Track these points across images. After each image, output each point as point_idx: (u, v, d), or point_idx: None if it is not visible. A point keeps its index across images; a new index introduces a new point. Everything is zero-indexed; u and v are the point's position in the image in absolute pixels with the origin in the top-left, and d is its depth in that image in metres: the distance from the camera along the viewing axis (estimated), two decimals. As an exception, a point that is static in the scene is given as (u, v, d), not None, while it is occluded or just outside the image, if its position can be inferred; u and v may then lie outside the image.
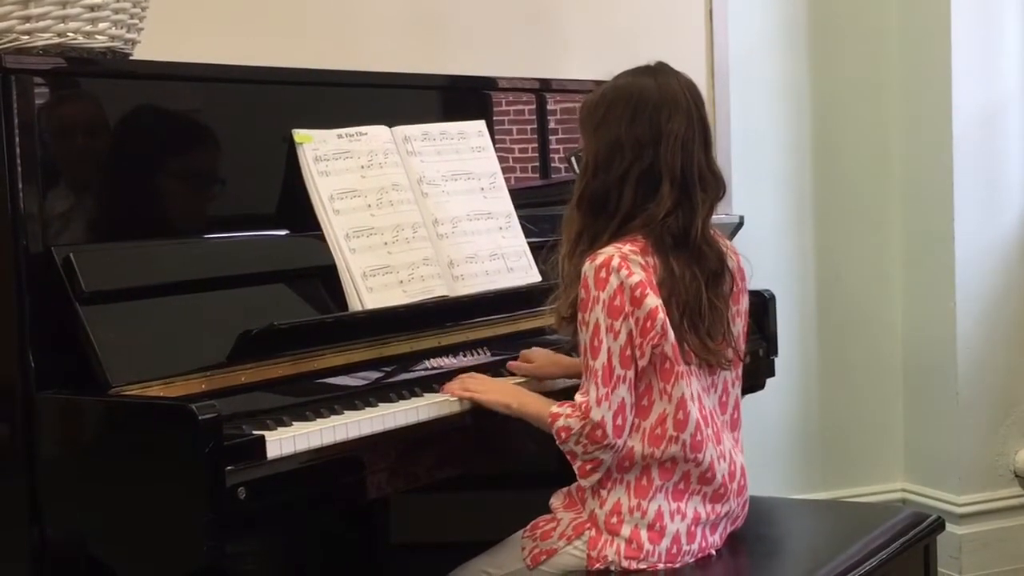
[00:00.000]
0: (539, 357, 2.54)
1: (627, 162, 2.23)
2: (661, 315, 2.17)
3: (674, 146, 2.23)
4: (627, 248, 2.20)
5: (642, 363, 2.18)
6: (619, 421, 2.18)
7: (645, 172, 2.23)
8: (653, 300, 2.17)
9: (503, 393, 2.38)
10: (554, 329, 2.40)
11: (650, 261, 2.20)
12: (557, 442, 2.22)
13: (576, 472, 2.23)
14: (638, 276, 2.17)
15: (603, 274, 2.17)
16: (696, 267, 2.24)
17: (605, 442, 2.18)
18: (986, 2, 3.90)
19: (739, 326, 2.34)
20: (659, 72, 2.29)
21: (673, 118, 2.23)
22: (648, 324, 2.17)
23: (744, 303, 2.37)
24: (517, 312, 2.68)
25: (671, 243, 2.22)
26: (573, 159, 2.37)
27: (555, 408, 2.23)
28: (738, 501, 2.34)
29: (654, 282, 2.19)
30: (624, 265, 2.17)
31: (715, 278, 2.27)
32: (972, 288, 3.90)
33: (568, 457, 2.23)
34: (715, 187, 2.29)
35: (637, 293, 2.16)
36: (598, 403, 2.17)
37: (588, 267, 2.19)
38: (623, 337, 2.16)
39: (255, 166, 2.47)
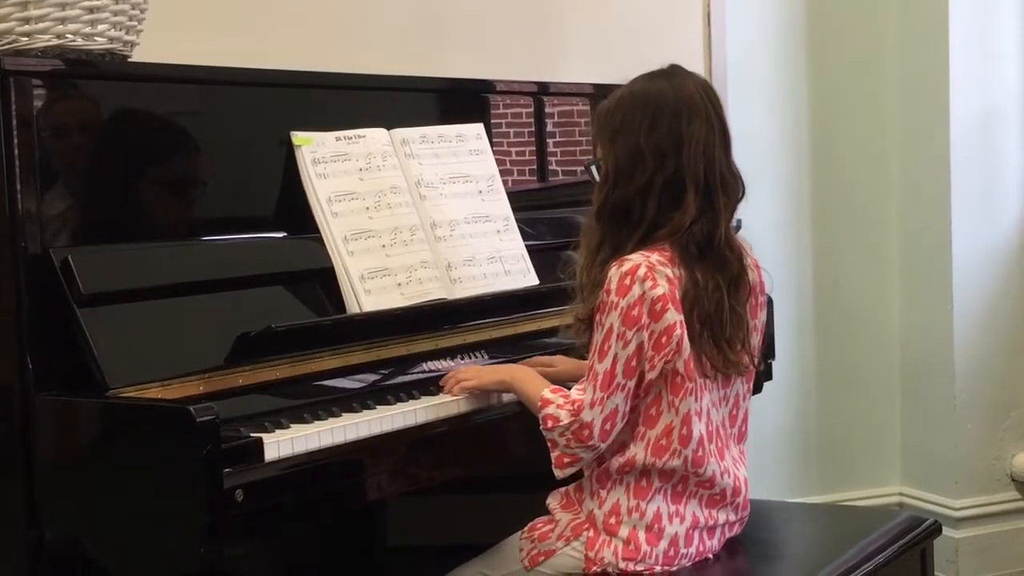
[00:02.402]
0: (561, 362, 2.54)
1: (650, 171, 2.20)
2: (678, 331, 2.16)
3: (696, 152, 2.20)
4: (655, 258, 2.18)
5: (652, 375, 2.17)
6: (607, 426, 2.18)
7: (669, 181, 2.20)
8: (673, 316, 2.15)
9: (497, 371, 2.40)
10: (562, 331, 2.38)
11: (677, 272, 2.18)
12: (541, 427, 2.21)
13: (552, 461, 2.22)
14: (662, 289, 2.15)
15: (627, 281, 2.15)
16: (719, 275, 2.22)
17: (589, 443, 2.18)
18: (984, 6, 3.90)
19: (755, 340, 2.32)
20: (674, 75, 2.26)
21: (692, 123, 2.21)
22: (664, 339, 2.15)
23: (761, 317, 2.34)
24: (515, 315, 2.68)
25: (696, 253, 2.20)
26: (593, 168, 2.33)
27: (547, 393, 2.23)
28: (740, 514, 2.34)
29: (677, 296, 2.17)
30: (650, 276, 2.15)
31: (736, 282, 2.25)
32: (970, 292, 3.90)
33: (548, 444, 2.22)
34: (735, 190, 2.27)
35: (658, 307, 2.15)
36: (591, 405, 2.17)
37: (614, 272, 2.16)
38: (632, 347, 2.15)
39: (253, 168, 2.48)
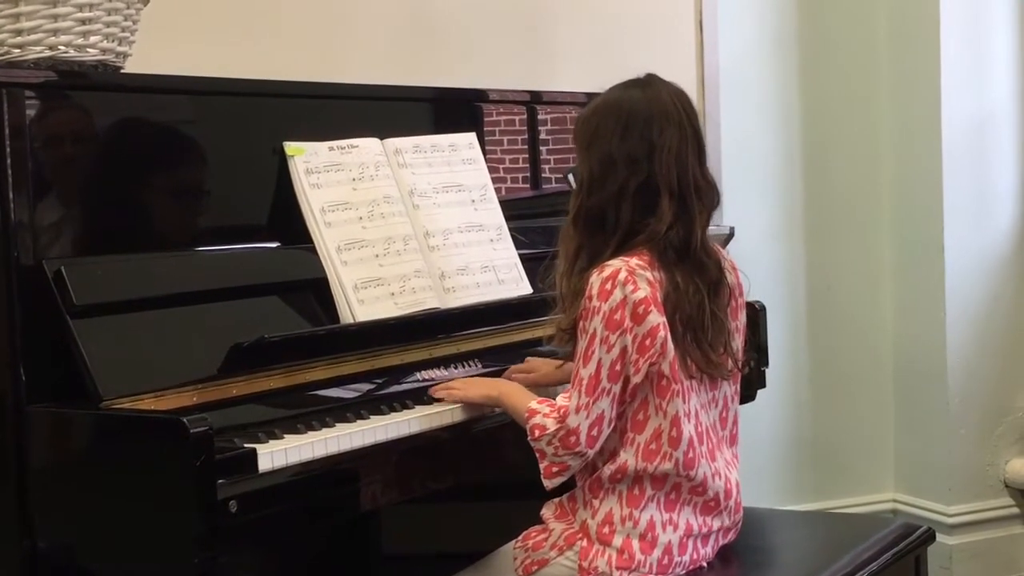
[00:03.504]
0: (540, 365, 2.54)
1: (622, 178, 2.23)
2: (662, 333, 2.17)
3: (668, 158, 2.22)
4: (635, 262, 2.19)
5: (637, 379, 2.18)
6: (594, 432, 2.18)
7: (641, 186, 2.22)
8: (656, 318, 2.17)
9: (485, 386, 2.41)
10: (547, 341, 2.40)
11: (657, 276, 2.20)
12: (528, 438, 2.22)
13: (541, 472, 2.22)
14: (643, 292, 2.16)
15: (608, 286, 2.16)
16: (698, 279, 2.24)
17: (576, 449, 2.18)
18: (975, 12, 3.91)
19: (738, 341, 2.33)
20: (648, 84, 2.29)
21: (664, 130, 2.23)
22: (647, 342, 2.16)
23: (742, 318, 2.36)
24: (508, 324, 2.68)
25: (673, 257, 2.22)
26: (571, 175, 2.36)
27: (534, 404, 2.24)
28: (732, 518, 2.34)
29: (659, 299, 2.18)
30: (631, 280, 2.16)
31: (716, 287, 2.27)
32: (962, 298, 3.91)
33: (536, 455, 2.22)
34: (710, 196, 2.29)
35: (640, 310, 2.16)
36: (576, 411, 2.17)
37: (595, 278, 2.18)
38: (616, 351, 2.16)
39: (246, 178, 2.48)
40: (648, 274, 2.19)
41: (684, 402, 2.22)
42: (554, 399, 2.24)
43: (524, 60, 3.63)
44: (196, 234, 2.40)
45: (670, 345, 2.18)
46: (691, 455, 2.22)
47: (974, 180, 3.92)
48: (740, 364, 2.34)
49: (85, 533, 2.07)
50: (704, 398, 2.28)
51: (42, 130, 2.15)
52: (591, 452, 2.20)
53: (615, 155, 2.23)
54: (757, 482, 3.69)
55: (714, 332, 2.25)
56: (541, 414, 2.21)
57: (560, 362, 2.49)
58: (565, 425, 2.18)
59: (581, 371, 2.18)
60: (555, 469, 2.21)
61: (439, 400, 2.40)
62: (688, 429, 2.22)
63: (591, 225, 2.26)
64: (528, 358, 2.59)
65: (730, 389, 2.35)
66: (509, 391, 2.36)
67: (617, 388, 2.18)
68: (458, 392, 2.39)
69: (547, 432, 2.19)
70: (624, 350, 2.16)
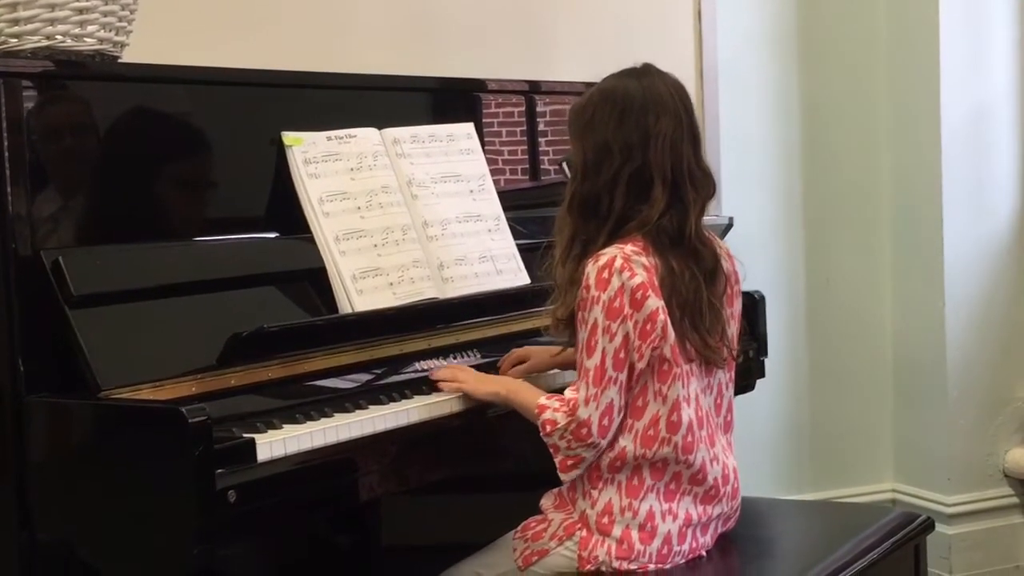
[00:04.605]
0: (534, 353, 2.54)
1: (616, 165, 2.24)
2: (662, 317, 2.18)
3: (663, 147, 2.23)
4: (629, 249, 2.20)
5: (640, 365, 2.18)
6: (605, 422, 2.18)
7: (635, 174, 2.23)
8: (654, 302, 2.17)
9: (492, 382, 2.41)
10: (544, 331, 2.41)
11: (652, 261, 2.21)
12: (541, 434, 2.22)
13: (557, 466, 2.23)
14: (640, 278, 2.17)
15: (605, 275, 2.17)
16: (694, 266, 2.25)
17: (589, 441, 2.18)
18: (974, 4, 3.91)
19: (733, 329, 2.34)
20: (644, 74, 2.29)
21: (660, 119, 2.24)
22: (648, 327, 2.17)
23: (737, 306, 2.37)
24: (506, 314, 2.68)
25: (667, 243, 2.23)
26: (564, 163, 2.37)
27: (543, 400, 2.24)
28: (731, 504, 2.34)
29: (656, 283, 2.19)
30: (627, 267, 2.17)
31: (712, 276, 2.28)
32: (961, 289, 3.91)
33: (551, 450, 2.23)
34: (706, 186, 2.30)
35: (638, 295, 2.16)
36: (586, 402, 2.18)
37: (591, 267, 2.19)
38: (619, 339, 2.16)
39: (244, 168, 2.47)
40: (643, 259, 2.20)
41: (684, 387, 2.22)
42: (561, 392, 2.24)
43: (523, 52, 3.62)
44: (194, 224, 2.40)
45: (670, 328, 2.19)
46: (690, 439, 2.23)
47: (973, 171, 3.92)
48: (734, 352, 2.34)
49: (84, 524, 2.07)
50: (702, 383, 2.29)
51: (40, 120, 2.14)
52: (603, 443, 2.20)
53: (610, 142, 2.24)
54: (756, 472, 3.70)
55: (711, 319, 2.26)
56: (551, 409, 2.21)
57: (557, 349, 2.48)
58: (576, 417, 2.18)
59: (586, 362, 2.18)
60: (570, 463, 2.22)
61: (439, 389, 2.40)
62: (688, 414, 2.22)
63: (585, 211, 2.27)
64: (526, 346, 2.59)
65: (724, 376, 2.35)
66: (517, 389, 2.36)
67: (623, 376, 2.18)
68: (463, 386, 2.39)
69: (559, 426, 2.19)
70: (626, 337, 2.17)
